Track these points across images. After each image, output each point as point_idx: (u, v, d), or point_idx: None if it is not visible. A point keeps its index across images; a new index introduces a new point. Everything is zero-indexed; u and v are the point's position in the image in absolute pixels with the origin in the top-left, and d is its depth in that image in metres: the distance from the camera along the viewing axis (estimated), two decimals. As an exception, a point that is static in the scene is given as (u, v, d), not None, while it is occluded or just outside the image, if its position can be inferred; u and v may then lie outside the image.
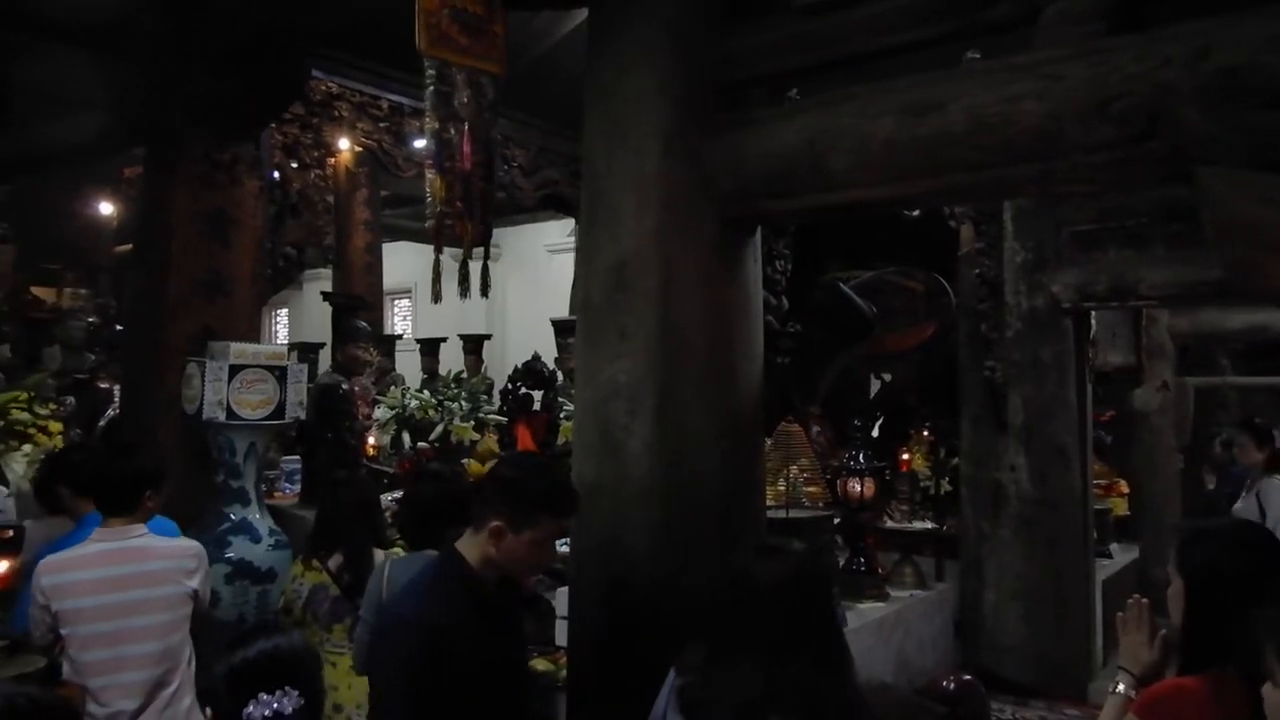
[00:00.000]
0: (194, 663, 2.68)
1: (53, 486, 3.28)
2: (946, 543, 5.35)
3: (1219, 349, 8.37)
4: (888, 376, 7.17)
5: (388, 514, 3.70)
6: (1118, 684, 1.92)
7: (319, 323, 8.96)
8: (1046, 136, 2.00)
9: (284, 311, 14.63)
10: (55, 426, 4.53)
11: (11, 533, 3.22)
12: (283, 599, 3.30)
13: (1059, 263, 5.07)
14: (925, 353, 6.32)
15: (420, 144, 4.33)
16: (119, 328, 7.40)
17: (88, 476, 2.96)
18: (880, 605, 4.43)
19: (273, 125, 4.72)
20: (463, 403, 5.13)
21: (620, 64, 2.56)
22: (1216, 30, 1.81)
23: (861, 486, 4.62)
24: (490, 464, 5.05)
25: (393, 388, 5.96)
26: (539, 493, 1.95)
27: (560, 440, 5.06)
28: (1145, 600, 1.98)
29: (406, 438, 5.10)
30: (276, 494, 5.40)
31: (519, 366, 5.31)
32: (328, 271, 8.66)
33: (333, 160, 6.81)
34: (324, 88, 5.35)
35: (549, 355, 5.80)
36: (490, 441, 5.13)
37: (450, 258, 2.67)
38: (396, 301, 13.15)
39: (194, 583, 2.73)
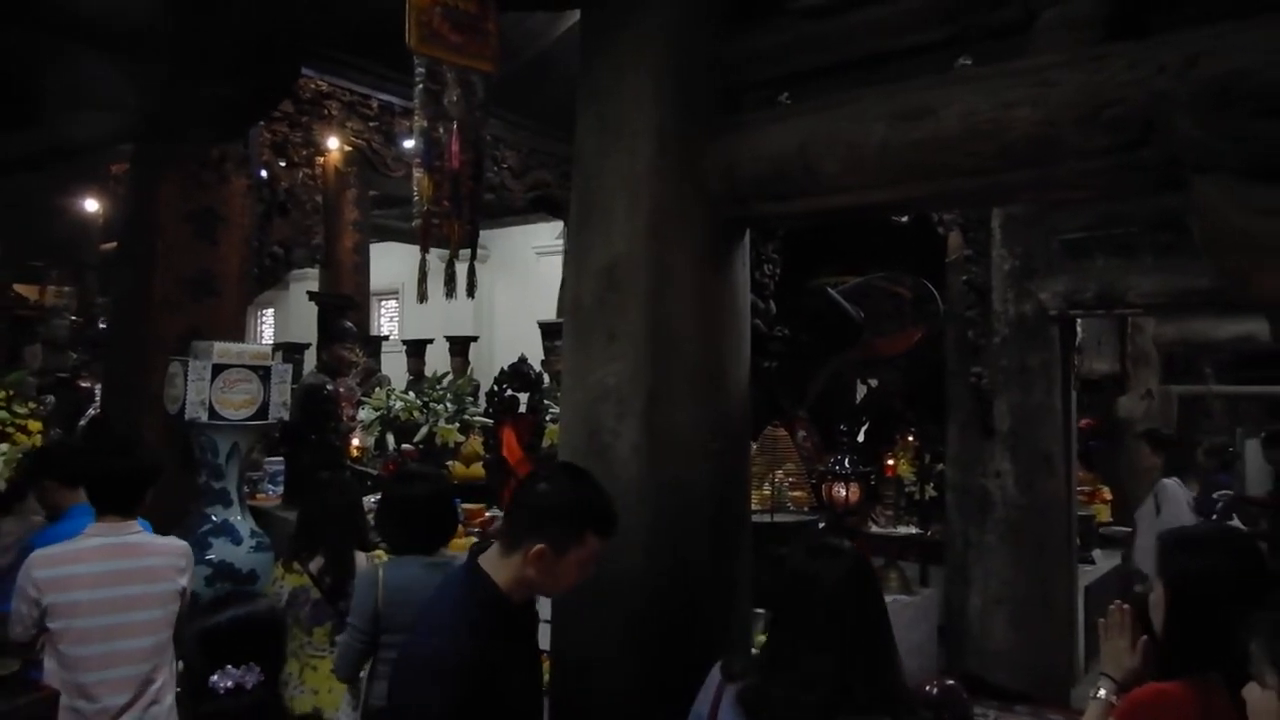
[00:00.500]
0: (175, 661, 2.70)
1: (40, 480, 3.27)
2: (931, 548, 5.35)
3: (1204, 357, 8.44)
4: (874, 382, 7.19)
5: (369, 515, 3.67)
6: (1099, 689, 1.94)
7: (305, 323, 8.91)
8: (1041, 143, 1.99)
9: (270, 311, 14.55)
10: (35, 425, 4.47)
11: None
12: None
13: (1047, 270, 5.08)
14: (912, 359, 6.34)
15: (409, 144, 4.31)
16: (103, 326, 7.33)
17: (79, 470, 2.96)
18: (866, 611, 4.42)
19: (261, 123, 4.69)
20: (448, 404, 5.11)
21: (616, 65, 2.54)
22: (1210, 39, 1.81)
23: (847, 491, 4.61)
24: (474, 465, 5.05)
25: (378, 389, 5.92)
26: (585, 512, 1.87)
27: (546, 443, 5.04)
28: (1127, 606, 1.99)
29: (391, 439, 5.07)
30: (259, 495, 5.36)
31: (505, 369, 5.29)
32: (314, 271, 8.61)
33: (322, 159, 6.78)
34: (314, 86, 5.32)
35: (536, 358, 5.78)
36: (475, 444, 5.11)
37: (437, 258, 2.64)
38: (383, 302, 13.10)
39: (184, 580, 2.77)
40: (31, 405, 4.82)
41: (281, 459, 5.32)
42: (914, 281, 6.32)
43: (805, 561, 1.88)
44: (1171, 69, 1.83)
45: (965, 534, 5.24)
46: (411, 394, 5.37)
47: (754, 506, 3.46)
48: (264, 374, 3.95)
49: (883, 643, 1.81)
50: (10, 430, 4.26)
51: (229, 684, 1.73)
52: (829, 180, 2.31)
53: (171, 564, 2.73)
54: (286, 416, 4.15)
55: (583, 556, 1.87)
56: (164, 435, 4.00)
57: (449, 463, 4.96)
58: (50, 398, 6.16)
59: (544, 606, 3.24)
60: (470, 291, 2.77)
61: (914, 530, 5.59)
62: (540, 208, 6.86)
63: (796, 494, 4.65)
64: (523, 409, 5.18)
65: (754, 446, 4.18)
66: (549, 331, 6.18)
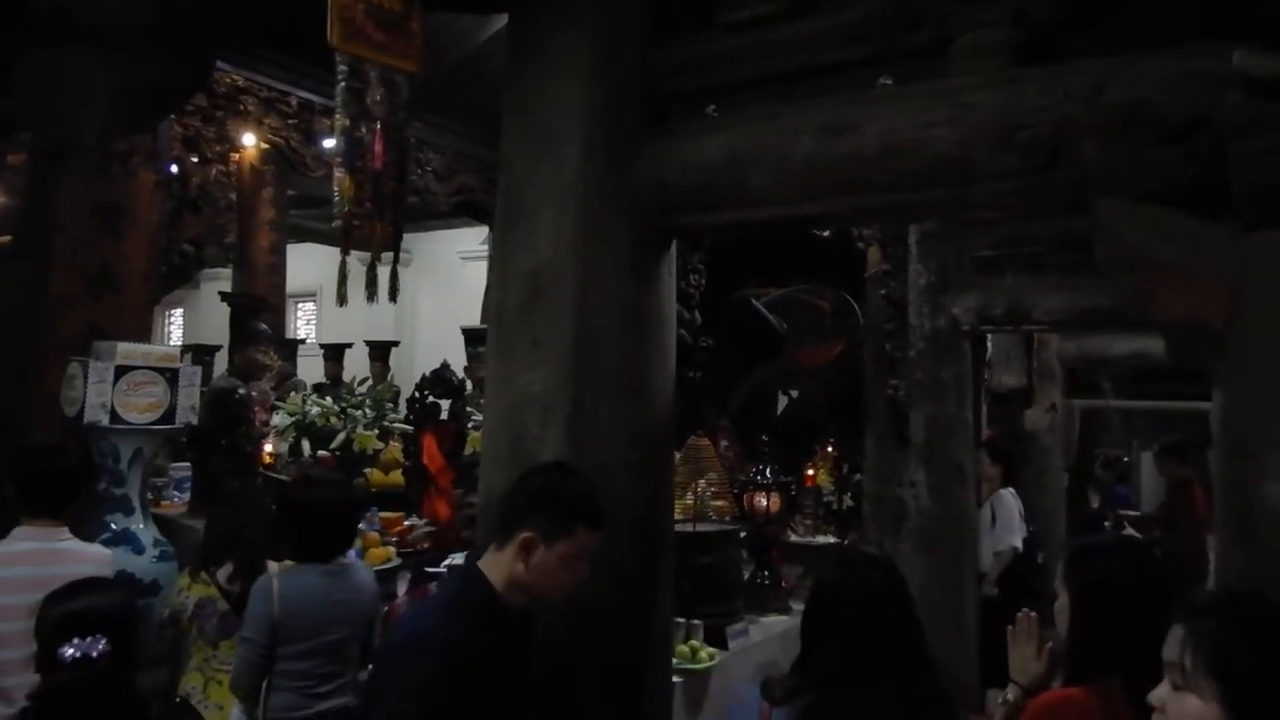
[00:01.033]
0: None
1: None
2: (849, 557, 5.47)
3: (1103, 373, 8.83)
4: (794, 393, 7.31)
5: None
6: (1006, 695, 2.00)
7: (217, 324, 8.61)
8: (957, 163, 2.05)
9: (179, 311, 14.05)
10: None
11: None
12: (167, 610, 3.14)
13: (960, 286, 5.25)
14: (834, 371, 6.47)
15: (330, 143, 4.21)
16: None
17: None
18: (784, 618, 4.47)
19: (172, 117, 4.52)
20: (367, 410, 4.99)
21: (544, 71, 2.52)
22: (1116, 68, 1.90)
23: (768, 501, 4.67)
24: (393, 473, 4.95)
25: (293, 393, 5.75)
26: (576, 500, 1.87)
27: (468, 450, 4.97)
28: (1034, 614, 2.06)
29: (306, 445, 4.92)
30: (164, 503, 5.14)
31: (427, 374, 5.20)
32: (228, 271, 8.34)
33: (236, 156, 6.57)
34: (229, 80, 5.16)
35: (459, 364, 5.70)
36: (395, 451, 4.99)
37: (358, 261, 2.58)
38: (300, 305, 12.77)
39: None
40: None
41: (188, 465, 5.13)
42: (834, 294, 6.46)
43: (843, 573, 1.99)
44: (1078, 96, 1.91)
45: (881, 543, 5.37)
46: (329, 399, 5.23)
47: (677, 515, 3.47)
48: (171, 376, 3.79)
49: (926, 649, 1.91)
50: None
51: (76, 654, 1.76)
52: (757, 192, 2.34)
53: (95, 572, 2.65)
54: (195, 421, 4.00)
55: (572, 550, 1.86)
56: (59, 439, 3.80)
57: (367, 470, 4.85)
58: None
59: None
60: (392, 295, 2.72)
61: (832, 539, 5.69)
62: (464, 212, 6.79)
63: (719, 503, 4.68)
64: (444, 416, 5.10)
65: (677, 456, 4.20)
66: (472, 337, 6.10)
